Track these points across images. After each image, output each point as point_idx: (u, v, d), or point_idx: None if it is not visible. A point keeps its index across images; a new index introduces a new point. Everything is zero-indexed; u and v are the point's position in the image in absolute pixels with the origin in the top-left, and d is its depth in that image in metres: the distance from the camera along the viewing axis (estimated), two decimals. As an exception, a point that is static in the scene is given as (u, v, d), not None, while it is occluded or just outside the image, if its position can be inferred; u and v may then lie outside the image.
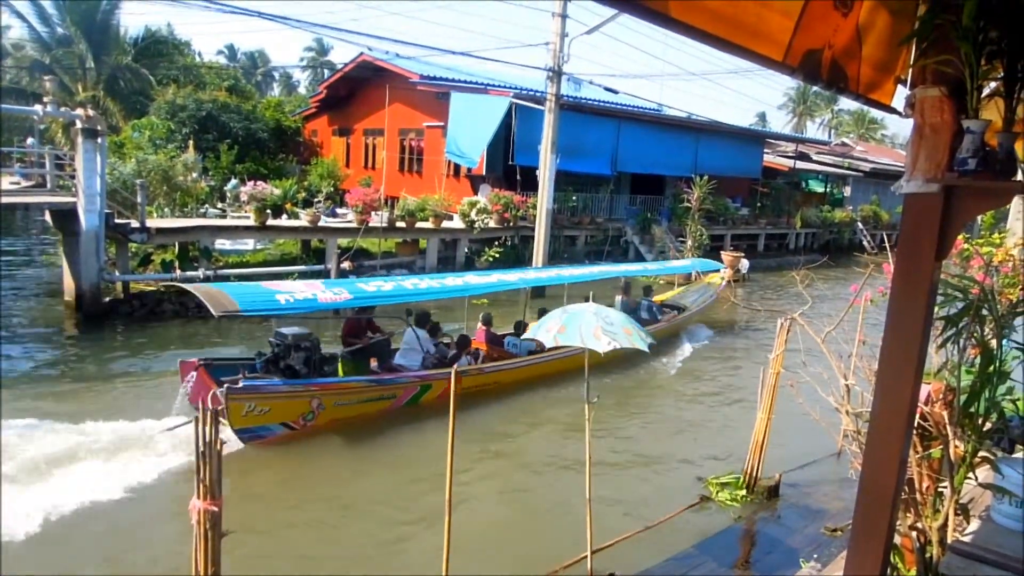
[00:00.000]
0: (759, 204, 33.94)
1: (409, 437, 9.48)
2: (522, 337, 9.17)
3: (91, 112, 15.47)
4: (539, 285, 14.74)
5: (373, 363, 10.74)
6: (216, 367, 9.73)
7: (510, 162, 23.89)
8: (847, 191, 43.54)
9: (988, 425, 3.98)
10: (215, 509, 3.88)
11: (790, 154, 39.93)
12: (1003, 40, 2.39)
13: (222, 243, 19.79)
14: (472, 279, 11.96)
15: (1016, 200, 9.92)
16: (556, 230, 23.48)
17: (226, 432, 8.13)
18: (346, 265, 18.77)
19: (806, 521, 7.96)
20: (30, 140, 21.67)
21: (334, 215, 21.34)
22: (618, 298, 15.17)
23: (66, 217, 15.50)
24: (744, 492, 8.58)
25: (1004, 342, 3.82)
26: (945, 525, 3.77)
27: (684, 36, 2.21)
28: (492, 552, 7.15)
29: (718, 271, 18.36)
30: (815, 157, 42.56)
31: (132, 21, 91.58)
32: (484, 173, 25.02)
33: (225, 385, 8.60)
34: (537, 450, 9.62)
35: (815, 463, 9.57)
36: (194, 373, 9.49)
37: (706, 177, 26.26)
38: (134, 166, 20.55)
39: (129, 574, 6.44)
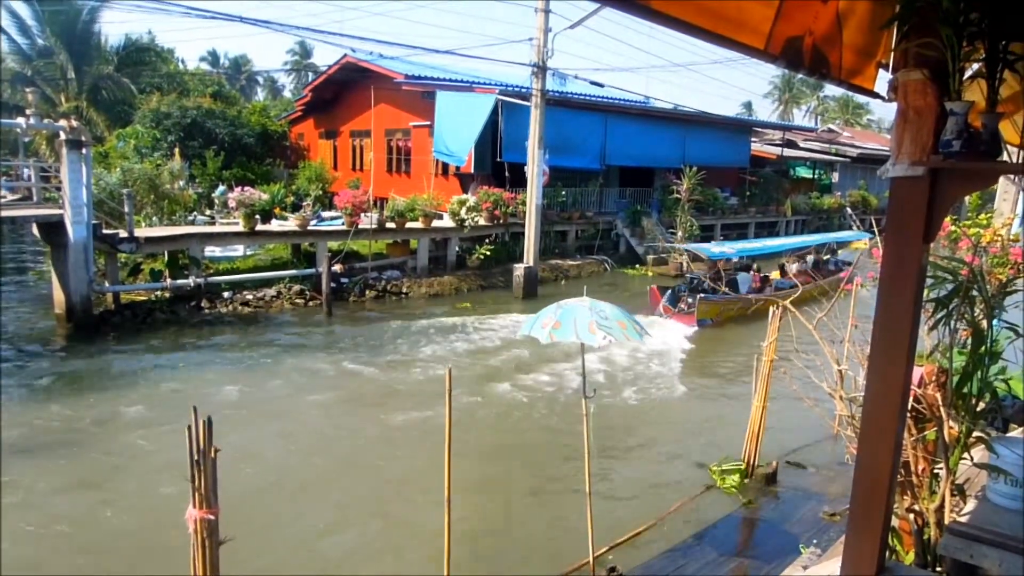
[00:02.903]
0: (748, 193, 34.02)
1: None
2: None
3: (75, 123, 15.36)
4: (800, 247, 22.61)
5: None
6: (661, 289, 18.41)
7: (498, 159, 23.87)
8: (835, 177, 43.68)
9: (981, 405, 4.00)
10: (211, 518, 3.87)
11: (777, 142, 40.01)
12: (984, 21, 2.39)
13: (212, 250, 19.72)
14: (777, 241, 23.24)
15: (1002, 180, 9.98)
16: (546, 226, 23.48)
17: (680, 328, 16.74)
18: (337, 268, 18.73)
19: (804, 507, 8.00)
20: (26, 172, 21.34)
21: (319, 218, 21.18)
22: (809, 258, 22.24)
23: (53, 229, 15.40)
24: (739, 477, 8.65)
25: (995, 322, 3.83)
26: (942, 506, 3.79)
27: (666, 27, 2.21)
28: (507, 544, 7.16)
29: (864, 239, 22.75)
30: (802, 144, 42.65)
31: (113, 30, 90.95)
32: (473, 171, 24.99)
33: (699, 295, 16.85)
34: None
35: (811, 449, 9.62)
36: (669, 291, 18.19)
37: (694, 168, 26.30)
38: (120, 176, 20.45)
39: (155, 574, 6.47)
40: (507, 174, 23.74)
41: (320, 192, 26.17)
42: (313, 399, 11.56)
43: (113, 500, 7.96)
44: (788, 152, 39.20)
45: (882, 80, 2.98)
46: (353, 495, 8.33)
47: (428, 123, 25.52)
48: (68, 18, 34.92)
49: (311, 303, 18.03)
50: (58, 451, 9.08)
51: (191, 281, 16.84)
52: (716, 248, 18.76)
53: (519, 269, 20.87)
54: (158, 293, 16.96)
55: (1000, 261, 6.40)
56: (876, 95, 3.03)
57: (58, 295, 15.79)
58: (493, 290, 21.26)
